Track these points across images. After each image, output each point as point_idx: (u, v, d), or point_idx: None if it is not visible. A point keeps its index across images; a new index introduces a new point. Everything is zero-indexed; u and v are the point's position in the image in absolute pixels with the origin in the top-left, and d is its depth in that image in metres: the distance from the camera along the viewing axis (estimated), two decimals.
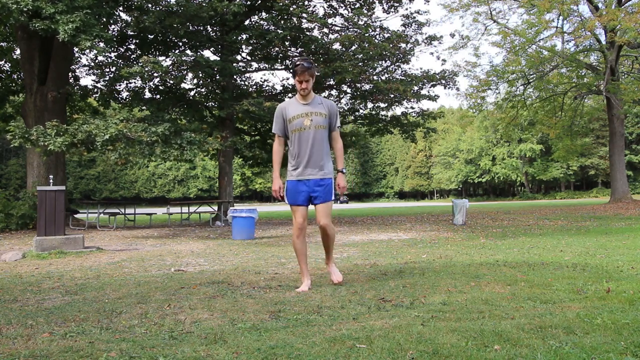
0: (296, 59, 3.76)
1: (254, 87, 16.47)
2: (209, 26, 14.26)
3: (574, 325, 2.37)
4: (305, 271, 3.84)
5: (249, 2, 14.14)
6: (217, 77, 13.88)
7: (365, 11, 14.96)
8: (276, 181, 3.87)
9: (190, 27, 13.45)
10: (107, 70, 14.15)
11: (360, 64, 13.67)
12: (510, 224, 11.55)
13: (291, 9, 13.48)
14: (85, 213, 15.29)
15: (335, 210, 27.25)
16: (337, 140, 3.92)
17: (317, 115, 3.77)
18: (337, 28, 15.40)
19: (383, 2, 15.59)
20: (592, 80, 22.92)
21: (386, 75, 15.55)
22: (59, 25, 9.82)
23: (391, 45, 13.79)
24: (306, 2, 14.60)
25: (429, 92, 15.74)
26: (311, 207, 3.90)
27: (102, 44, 11.10)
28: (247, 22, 15.00)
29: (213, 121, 15.49)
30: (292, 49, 14.90)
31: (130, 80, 13.97)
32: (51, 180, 8.01)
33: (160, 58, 12.86)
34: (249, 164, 18.90)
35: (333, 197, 3.85)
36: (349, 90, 15.58)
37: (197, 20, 12.49)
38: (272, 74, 23.49)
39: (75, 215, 14.88)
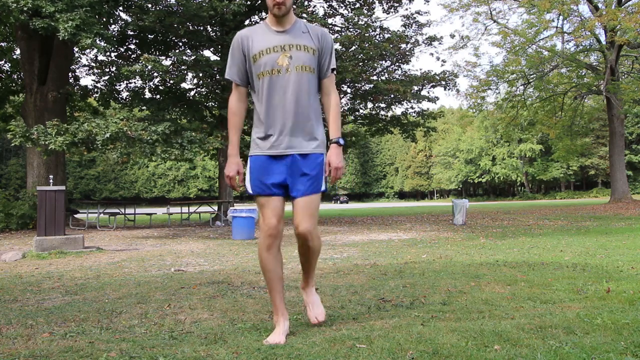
0: None
1: None
2: (209, 26, 14.27)
3: (574, 325, 2.37)
4: (281, 306, 2.42)
5: (249, 2, 14.13)
6: (217, 77, 13.89)
7: (365, 11, 14.97)
8: (232, 160, 2.47)
9: (190, 27, 13.46)
10: (107, 69, 14.16)
11: (360, 64, 13.67)
12: (510, 224, 11.54)
13: None
14: (85, 213, 15.29)
15: (335, 211, 27.18)
16: (330, 93, 2.49)
17: (299, 49, 2.37)
18: (337, 28, 15.41)
19: (383, 2, 15.61)
20: (592, 80, 22.95)
21: (386, 76, 15.57)
22: (59, 24, 9.83)
23: (391, 46, 13.80)
24: (306, 2, 14.59)
25: (428, 93, 15.81)
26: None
27: (102, 43, 11.11)
28: (247, 22, 14.99)
29: (213, 121, 15.50)
30: None
31: (130, 80, 13.98)
32: (51, 180, 8.01)
33: (161, 58, 12.87)
34: None
35: (324, 187, 2.42)
36: (349, 90, 15.59)
37: (197, 19, 12.50)
38: None
39: (75, 215, 14.88)
